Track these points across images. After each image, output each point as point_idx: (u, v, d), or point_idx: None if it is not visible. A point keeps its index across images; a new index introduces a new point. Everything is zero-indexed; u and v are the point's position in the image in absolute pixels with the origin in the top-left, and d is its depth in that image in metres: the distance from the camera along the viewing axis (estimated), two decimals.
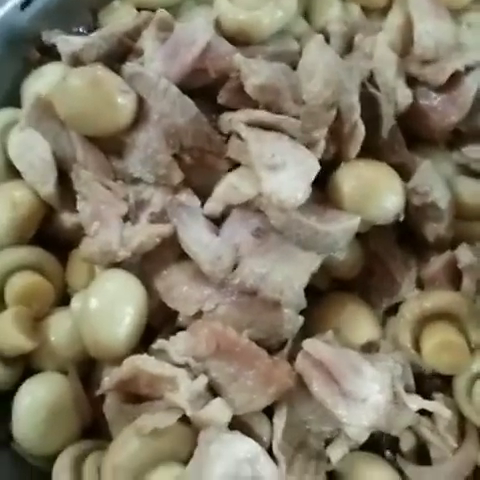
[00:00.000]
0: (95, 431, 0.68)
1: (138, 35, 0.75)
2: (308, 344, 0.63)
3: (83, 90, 0.68)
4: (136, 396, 0.64)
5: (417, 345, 0.68)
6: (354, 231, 0.68)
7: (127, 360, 0.62)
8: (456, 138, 0.77)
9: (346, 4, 0.83)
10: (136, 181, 0.72)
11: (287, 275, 0.65)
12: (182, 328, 0.67)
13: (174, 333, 0.66)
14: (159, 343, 0.64)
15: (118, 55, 0.75)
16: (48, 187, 0.71)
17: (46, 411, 0.65)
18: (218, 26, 0.74)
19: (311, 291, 0.69)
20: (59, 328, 0.68)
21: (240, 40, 0.74)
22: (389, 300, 0.73)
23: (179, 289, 0.68)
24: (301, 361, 0.63)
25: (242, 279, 0.65)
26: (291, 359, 0.65)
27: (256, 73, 0.69)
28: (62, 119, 0.70)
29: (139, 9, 0.80)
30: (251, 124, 0.69)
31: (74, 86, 0.68)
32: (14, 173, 0.73)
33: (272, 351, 0.65)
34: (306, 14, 0.83)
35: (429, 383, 0.69)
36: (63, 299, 0.72)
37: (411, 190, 0.71)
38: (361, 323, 0.70)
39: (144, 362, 0.61)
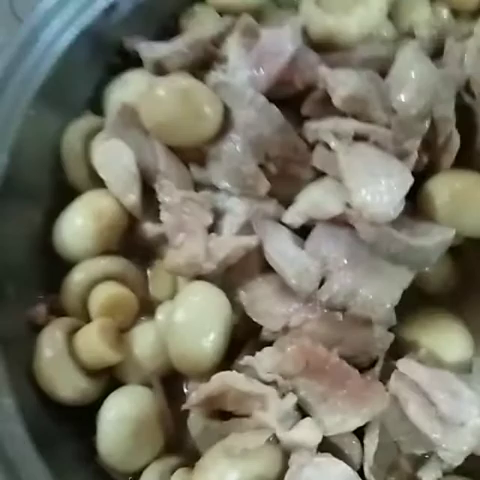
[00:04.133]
0: (177, 446, 0.66)
1: (221, 41, 0.74)
2: (403, 364, 0.60)
3: (171, 101, 0.67)
4: (220, 412, 0.63)
5: None
6: (448, 245, 0.66)
7: (216, 376, 0.60)
8: None
9: (434, 7, 0.79)
10: (216, 191, 0.71)
11: (378, 292, 0.63)
12: (266, 342, 0.65)
13: (258, 347, 0.64)
14: (246, 360, 0.62)
15: (202, 62, 0.73)
16: (132, 197, 0.70)
17: (131, 426, 0.63)
18: (304, 32, 0.71)
19: (399, 306, 0.65)
20: (143, 340, 0.67)
21: (326, 46, 0.72)
22: None
23: (264, 303, 0.66)
24: (395, 382, 0.60)
25: (331, 296, 0.63)
26: (382, 378, 0.62)
27: (343, 84, 0.67)
28: (147, 128, 0.69)
29: (220, 13, 0.78)
30: (340, 134, 0.67)
31: (162, 96, 0.67)
32: (97, 181, 0.72)
33: (361, 369, 0.63)
34: (391, 16, 0.78)
35: None
36: (146, 309, 0.70)
37: None
38: (453, 340, 0.67)
39: (234, 379, 0.60)
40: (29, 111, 0.71)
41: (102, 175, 0.71)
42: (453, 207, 0.66)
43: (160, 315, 0.68)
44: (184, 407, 0.63)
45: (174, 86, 0.68)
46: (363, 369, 0.63)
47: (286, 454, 0.60)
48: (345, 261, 0.65)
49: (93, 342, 0.64)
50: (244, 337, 0.67)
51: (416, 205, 0.68)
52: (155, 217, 0.71)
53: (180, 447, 0.66)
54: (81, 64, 0.76)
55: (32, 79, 0.72)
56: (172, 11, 0.82)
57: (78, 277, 0.69)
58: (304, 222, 0.68)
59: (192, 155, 0.71)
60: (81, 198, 0.72)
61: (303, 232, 0.69)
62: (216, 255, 0.66)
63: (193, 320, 0.64)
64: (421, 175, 0.68)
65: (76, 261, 0.71)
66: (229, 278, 0.68)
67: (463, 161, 0.68)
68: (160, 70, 0.74)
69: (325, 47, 0.72)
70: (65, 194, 0.74)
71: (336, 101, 0.67)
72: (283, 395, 0.61)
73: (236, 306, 0.67)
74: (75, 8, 0.75)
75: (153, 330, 0.68)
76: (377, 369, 0.63)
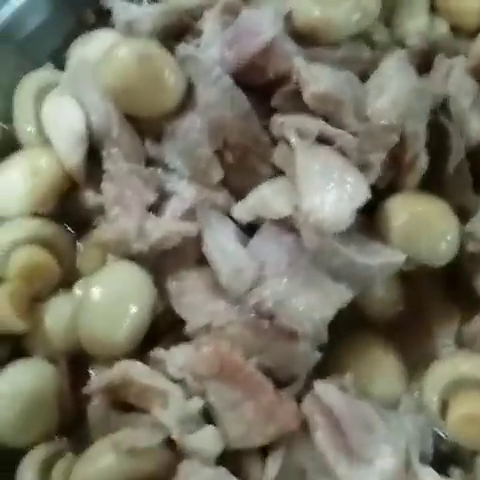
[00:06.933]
0: (72, 431, 0.62)
1: (200, 14, 0.69)
2: (320, 387, 0.56)
3: (131, 63, 0.62)
4: (124, 403, 0.58)
5: (444, 409, 0.61)
6: (395, 269, 0.61)
7: (119, 364, 0.57)
8: None
9: (434, 18, 0.74)
10: (168, 170, 0.66)
11: (310, 304, 0.59)
12: (187, 338, 0.60)
13: (177, 342, 0.60)
14: (157, 352, 0.58)
15: (175, 32, 0.69)
16: (75, 159, 0.65)
17: (25, 401, 0.59)
18: (287, 19, 0.66)
19: (334, 325, 0.61)
20: (57, 314, 0.63)
21: (309, 38, 0.67)
22: (421, 352, 0.66)
23: (192, 296, 0.62)
24: (309, 404, 0.56)
25: (260, 300, 0.58)
26: (299, 398, 0.58)
27: (317, 80, 0.63)
28: (104, 90, 0.64)
29: None
30: (304, 133, 0.62)
31: (122, 57, 0.62)
32: (45, 140, 0.67)
33: (280, 384, 0.58)
34: (388, 22, 0.74)
35: (449, 454, 0.61)
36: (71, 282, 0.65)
37: (468, 234, 0.64)
38: (384, 372, 0.63)
39: (137, 370, 0.56)
40: None
41: (47, 132, 0.67)
42: (409, 231, 0.62)
43: (78, 290, 0.63)
44: (84, 391, 0.58)
45: (137, 49, 0.63)
46: (281, 384, 0.59)
47: (180, 460, 0.55)
48: (283, 267, 0.60)
49: (1, 307, 0.60)
50: (165, 329, 0.63)
51: (371, 222, 0.64)
52: (98, 186, 0.65)
53: (75, 432, 0.61)
54: (49, 15, 0.72)
55: None
56: None
57: (1, 235, 0.64)
58: (252, 219, 0.63)
59: (148, 127, 0.67)
60: (21, 152, 0.68)
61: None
62: (149, 236, 0.61)
63: (109, 300, 0.59)
64: (383, 192, 0.63)
65: (6, 218, 0.66)
66: (162, 264, 0.63)
67: (431, 185, 0.64)
68: (131, 32, 0.69)
69: (307, 39, 0.67)
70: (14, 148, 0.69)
71: (306, 97, 0.62)
72: (190, 397, 0.56)
73: (162, 294, 0.62)
74: None
75: (69, 304, 0.63)
76: (295, 387, 0.58)
